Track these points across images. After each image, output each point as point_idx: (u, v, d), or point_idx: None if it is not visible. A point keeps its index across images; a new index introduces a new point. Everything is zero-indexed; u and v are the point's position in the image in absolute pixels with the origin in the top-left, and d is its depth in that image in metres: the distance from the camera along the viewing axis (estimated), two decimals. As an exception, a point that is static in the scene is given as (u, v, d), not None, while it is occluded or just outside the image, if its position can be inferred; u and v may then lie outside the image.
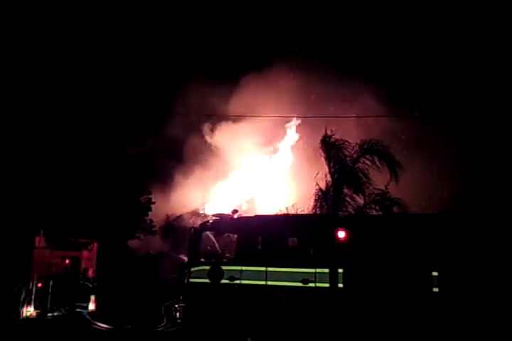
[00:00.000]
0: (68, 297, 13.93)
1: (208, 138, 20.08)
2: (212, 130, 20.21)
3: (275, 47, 21.10)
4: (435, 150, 18.16)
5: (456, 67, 18.80)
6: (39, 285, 14.03)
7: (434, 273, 9.67)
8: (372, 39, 20.19)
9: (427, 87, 18.87)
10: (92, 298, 14.93)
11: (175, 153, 19.75)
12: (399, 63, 19.29)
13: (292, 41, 20.78)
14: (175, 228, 17.86)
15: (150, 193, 17.45)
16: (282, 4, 21.98)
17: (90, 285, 14.54)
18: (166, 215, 17.96)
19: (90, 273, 14.97)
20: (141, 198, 17.38)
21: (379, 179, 15.09)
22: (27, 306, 13.73)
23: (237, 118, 19.53)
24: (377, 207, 14.38)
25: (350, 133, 16.53)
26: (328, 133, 15.68)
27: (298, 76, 19.76)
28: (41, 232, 14.30)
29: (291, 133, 20.08)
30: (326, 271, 10.50)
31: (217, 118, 19.91)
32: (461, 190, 16.66)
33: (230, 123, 20.04)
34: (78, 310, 13.88)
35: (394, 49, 19.73)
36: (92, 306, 15.00)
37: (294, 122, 19.71)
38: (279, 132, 20.09)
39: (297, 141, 19.71)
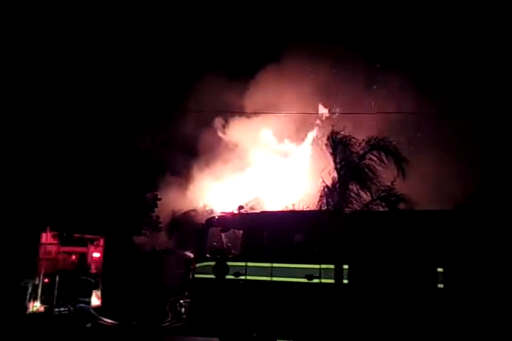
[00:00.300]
0: (71, 292, 13.96)
1: (219, 133, 20.10)
2: (223, 126, 20.25)
3: (290, 37, 20.89)
4: (451, 147, 17.98)
5: (477, 63, 18.55)
6: (46, 280, 14.12)
7: (439, 270, 9.61)
8: (396, 29, 19.95)
9: (449, 83, 18.59)
10: (98, 293, 15.02)
11: (182, 149, 19.77)
12: (423, 57, 19.02)
13: (308, 30, 20.54)
14: (181, 224, 17.88)
15: (156, 189, 17.46)
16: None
17: (93, 281, 14.56)
18: (172, 211, 17.98)
19: (93, 268, 15.00)
20: (148, 194, 17.39)
21: (387, 176, 15.04)
22: (33, 301, 13.82)
23: (249, 114, 19.57)
24: (383, 204, 14.36)
25: (369, 128, 16.43)
26: (337, 129, 15.69)
27: (316, 68, 19.62)
28: (48, 228, 14.37)
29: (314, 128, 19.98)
30: (331, 267, 10.46)
31: (230, 113, 19.93)
32: (474, 188, 16.53)
33: (242, 118, 20.07)
34: (81, 305, 13.92)
35: (419, 40, 19.46)
36: (97, 301, 15.09)
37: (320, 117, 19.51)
38: (288, 128, 20.06)
39: (307, 137, 19.65)
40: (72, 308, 13.87)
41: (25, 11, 17.68)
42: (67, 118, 16.44)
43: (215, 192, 19.53)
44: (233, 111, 19.84)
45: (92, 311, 14.31)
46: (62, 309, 14.03)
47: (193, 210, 17.73)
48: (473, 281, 9.39)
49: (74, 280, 14.21)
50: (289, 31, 21.06)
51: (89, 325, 13.42)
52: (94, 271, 15.02)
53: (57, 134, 16.14)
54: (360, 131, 15.84)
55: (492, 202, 15.20)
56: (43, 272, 14.10)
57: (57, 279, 14.20)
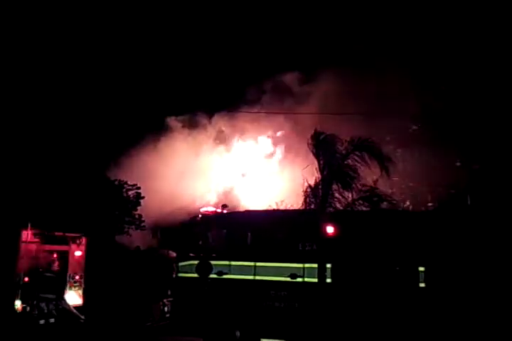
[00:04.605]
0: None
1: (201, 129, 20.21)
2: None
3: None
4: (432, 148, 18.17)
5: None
6: (25, 279, 13.96)
7: (421, 269, 9.76)
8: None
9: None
10: (79, 292, 14.94)
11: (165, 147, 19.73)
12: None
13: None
14: (164, 223, 17.79)
15: (139, 188, 17.30)
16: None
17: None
18: (156, 210, 17.86)
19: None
20: (130, 193, 17.23)
21: (369, 175, 15.22)
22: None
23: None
24: (366, 203, 14.55)
25: (352, 129, 16.53)
26: (319, 129, 15.80)
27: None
28: (28, 226, 14.21)
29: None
30: (315, 265, 10.54)
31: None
32: (455, 188, 16.78)
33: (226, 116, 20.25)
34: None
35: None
36: (79, 301, 14.98)
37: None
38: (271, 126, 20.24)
39: (288, 137, 19.74)
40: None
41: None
42: (46, 116, 16.22)
43: (199, 190, 19.53)
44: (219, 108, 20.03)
45: (74, 310, 14.19)
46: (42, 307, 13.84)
47: (177, 209, 17.65)
48: (455, 280, 9.56)
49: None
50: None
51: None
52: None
53: (37, 133, 15.93)
54: (343, 132, 15.98)
55: (473, 202, 15.46)
56: (23, 271, 13.95)
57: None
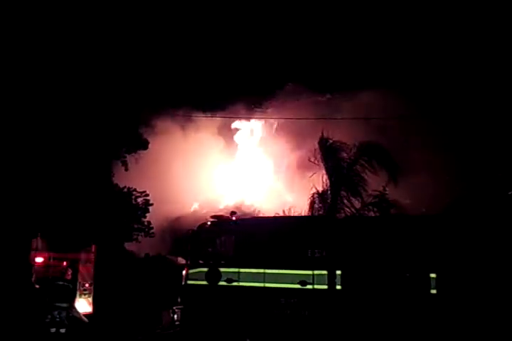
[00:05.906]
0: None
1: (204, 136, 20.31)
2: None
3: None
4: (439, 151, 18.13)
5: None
6: (36, 286, 13.99)
7: (432, 275, 9.68)
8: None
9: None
10: (89, 299, 14.93)
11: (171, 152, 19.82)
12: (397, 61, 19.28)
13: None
14: (174, 230, 17.83)
15: (148, 195, 17.35)
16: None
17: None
18: (165, 216, 17.93)
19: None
20: (139, 200, 17.29)
21: (378, 181, 15.16)
22: None
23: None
24: (375, 209, 14.49)
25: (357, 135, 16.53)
26: (325, 135, 15.78)
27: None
28: (39, 234, 14.26)
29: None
30: (324, 272, 10.49)
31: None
32: (463, 192, 16.69)
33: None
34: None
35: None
36: (89, 308, 14.98)
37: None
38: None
39: (296, 144, 19.76)
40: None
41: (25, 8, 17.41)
42: (54, 123, 16.24)
43: (207, 196, 19.58)
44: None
45: (84, 318, 14.18)
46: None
47: (186, 215, 17.71)
48: (467, 286, 9.46)
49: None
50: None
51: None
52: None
53: (48, 140, 15.99)
54: (349, 138, 15.98)
55: (483, 206, 15.33)
56: (34, 279, 13.99)
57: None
